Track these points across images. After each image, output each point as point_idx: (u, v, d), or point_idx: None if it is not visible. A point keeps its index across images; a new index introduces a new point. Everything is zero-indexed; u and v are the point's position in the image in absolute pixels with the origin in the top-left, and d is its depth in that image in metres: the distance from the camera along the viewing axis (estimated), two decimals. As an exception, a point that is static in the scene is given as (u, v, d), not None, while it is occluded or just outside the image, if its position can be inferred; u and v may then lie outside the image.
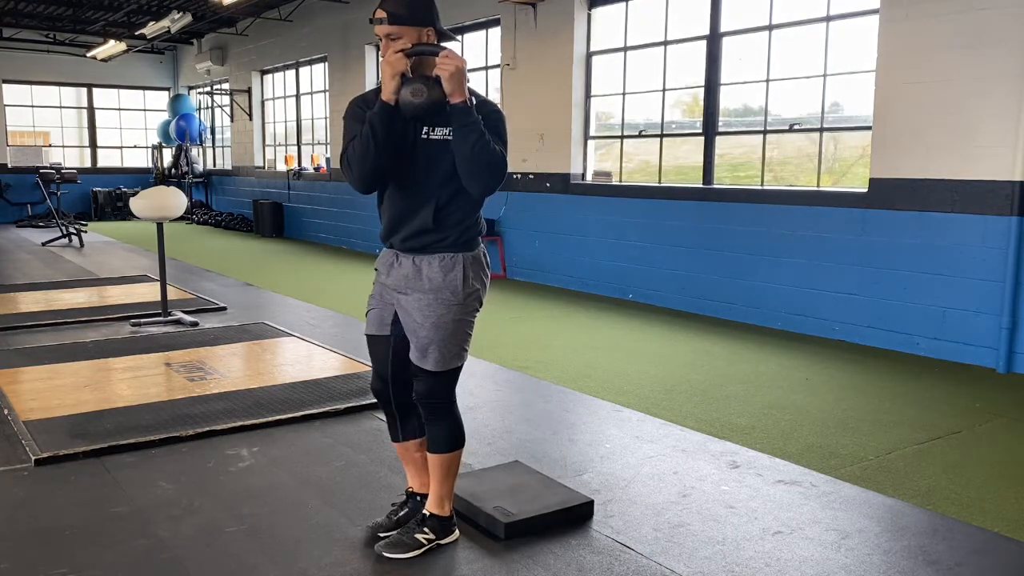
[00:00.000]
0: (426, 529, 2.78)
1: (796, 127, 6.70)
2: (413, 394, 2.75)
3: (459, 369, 2.72)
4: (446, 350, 2.65)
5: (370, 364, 2.84)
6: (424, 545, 2.76)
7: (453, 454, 2.78)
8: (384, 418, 2.94)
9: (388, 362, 2.77)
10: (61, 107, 17.35)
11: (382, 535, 2.85)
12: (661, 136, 7.81)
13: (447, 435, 2.76)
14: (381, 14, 2.53)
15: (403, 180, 2.64)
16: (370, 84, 11.68)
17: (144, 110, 18.13)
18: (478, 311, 2.73)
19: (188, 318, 6.50)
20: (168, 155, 17.73)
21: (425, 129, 2.60)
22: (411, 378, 2.76)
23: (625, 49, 8.02)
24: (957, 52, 5.34)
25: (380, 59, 2.58)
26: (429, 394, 2.70)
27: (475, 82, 10.07)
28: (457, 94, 2.48)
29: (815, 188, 6.48)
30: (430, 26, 2.57)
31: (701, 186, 7.30)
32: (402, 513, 2.92)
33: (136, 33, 13.73)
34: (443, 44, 2.57)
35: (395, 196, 2.68)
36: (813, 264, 6.29)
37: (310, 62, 13.43)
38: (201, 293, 7.92)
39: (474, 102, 2.53)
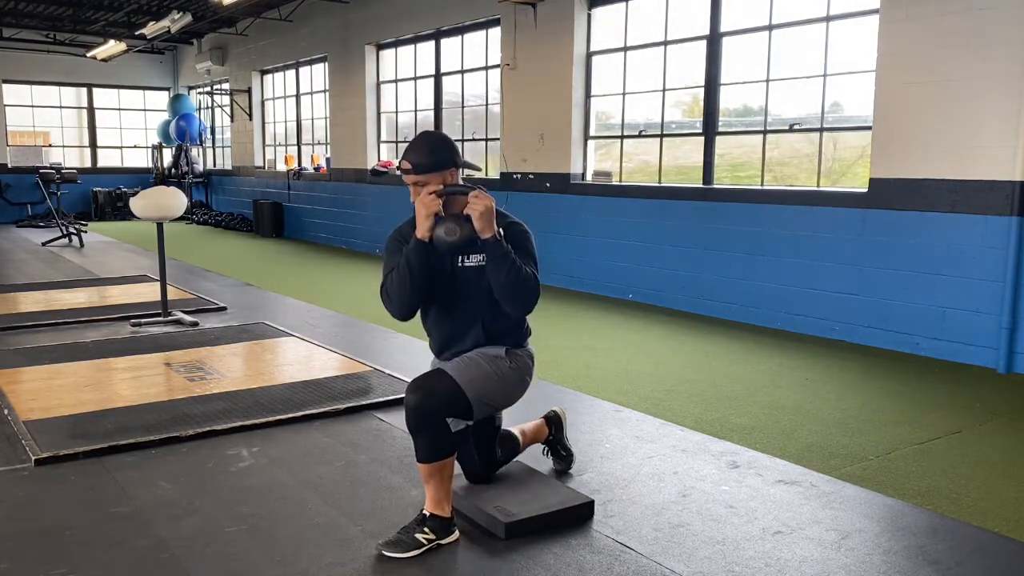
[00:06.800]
0: (426, 529, 2.79)
1: (796, 127, 6.69)
2: (415, 384, 2.81)
3: (458, 398, 2.81)
4: (463, 366, 2.86)
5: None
6: (424, 545, 2.76)
7: (440, 463, 2.81)
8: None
9: (471, 446, 3.11)
10: (61, 107, 17.34)
11: None
12: (661, 136, 7.81)
13: (431, 446, 2.79)
14: (407, 165, 2.77)
15: (447, 305, 2.93)
16: (370, 84, 11.70)
17: (144, 110, 18.12)
18: (507, 382, 2.94)
19: (188, 318, 6.50)
20: (168, 155, 17.73)
21: (460, 258, 2.87)
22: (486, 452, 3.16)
23: (625, 49, 8.02)
24: (957, 52, 5.34)
25: (412, 201, 2.79)
26: (432, 391, 2.77)
27: (475, 81, 10.08)
28: (487, 230, 2.73)
29: (815, 188, 6.48)
30: (452, 167, 2.82)
31: (701, 186, 7.30)
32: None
33: (136, 33, 13.71)
34: (469, 177, 2.70)
35: (443, 319, 2.96)
36: (813, 264, 6.29)
37: (310, 62, 13.43)
38: (201, 293, 7.91)
39: (502, 233, 2.78)
